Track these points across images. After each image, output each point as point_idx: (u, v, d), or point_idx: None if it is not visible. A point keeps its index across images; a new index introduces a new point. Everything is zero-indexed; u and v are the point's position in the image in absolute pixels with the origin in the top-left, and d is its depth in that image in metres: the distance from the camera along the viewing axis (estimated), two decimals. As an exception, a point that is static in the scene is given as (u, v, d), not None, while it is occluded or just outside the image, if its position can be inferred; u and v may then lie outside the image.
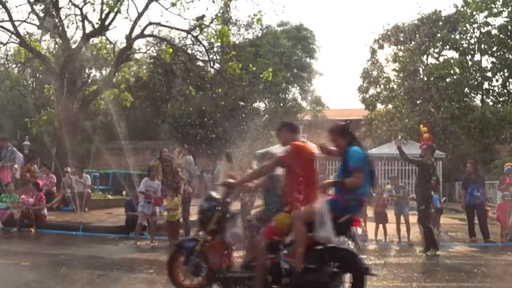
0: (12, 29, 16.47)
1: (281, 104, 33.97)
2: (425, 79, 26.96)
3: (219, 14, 17.98)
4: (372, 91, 33.27)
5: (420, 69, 29.69)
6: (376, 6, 74.65)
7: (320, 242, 4.62)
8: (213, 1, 17.55)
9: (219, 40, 18.05)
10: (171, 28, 20.01)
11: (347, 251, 4.77)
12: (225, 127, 27.28)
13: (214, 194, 5.37)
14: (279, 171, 5.27)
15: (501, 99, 25.48)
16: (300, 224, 4.61)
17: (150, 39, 22.61)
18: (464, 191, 11.22)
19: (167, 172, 10.64)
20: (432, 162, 9.20)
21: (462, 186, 11.50)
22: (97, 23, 17.23)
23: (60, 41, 18.04)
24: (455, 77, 24.74)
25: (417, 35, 30.48)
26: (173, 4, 17.30)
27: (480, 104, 25.51)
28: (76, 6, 17.09)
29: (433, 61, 29.95)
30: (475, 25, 25.16)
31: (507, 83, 25.29)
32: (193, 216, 12.13)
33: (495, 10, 24.31)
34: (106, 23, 17.15)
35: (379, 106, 32.81)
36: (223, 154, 7.71)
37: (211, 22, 17.92)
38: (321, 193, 4.75)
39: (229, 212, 5.12)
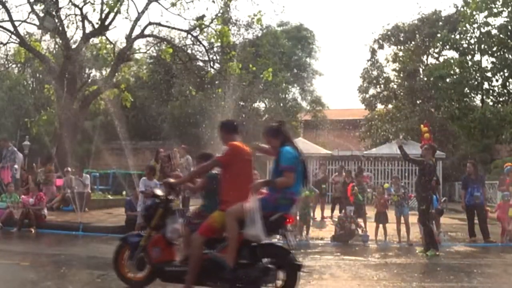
0: (12, 29, 16.49)
1: (281, 104, 33.96)
2: (425, 79, 26.97)
3: (219, 14, 17.99)
4: (372, 91, 33.31)
5: (420, 69, 29.71)
6: (376, 6, 74.65)
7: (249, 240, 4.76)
8: (213, 1, 17.57)
9: (219, 40, 18.06)
10: (171, 28, 20.04)
11: (280, 248, 4.96)
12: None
13: (157, 191, 5.67)
14: (217, 170, 5.43)
15: (501, 99, 25.51)
16: (232, 221, 4.77)
17: (150, 39, 22.62)
18: (464, 191, 11.22)
19: (166, 172, 10.62)
20: (433, 162, 9.19)
21: (462, 186, 11.49)
22: (97, 23, 17.25)
23: (60, 41, 18.04)
24: (455, 77, 24.77)
25: (417, 35, 30.51)
26: (173, 4, 17.31)
27: (480, 104, 25.53)
28: (76, 6, 17.10)
29: (433, 61, 29.97)
30: (475, 25, 25.19)
31: (507, 83, 25.32)
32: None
33: (495, 10, 24.34)
34: (106, 23, 17.16)
35: (379, 106, 32.84)
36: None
37: (211, 22, 17.93)
38: (254, 192, 4.81)
39: (170, 209, 5.35)
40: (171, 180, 5.55)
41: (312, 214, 11.50)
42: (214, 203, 5.21)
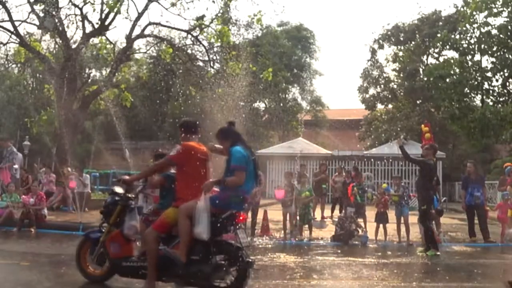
0: (12, 29, 16.48)
1: (281, 104, 33.97)
2: (425, 79, 26.96)
3: (219, 14, 17.99)
4: (372, 91, 33.33)
5: (420, 69, 29.71)
6: (376, 6, 74.66)
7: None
8: (213, 1, 17.58)
9: (219, 40, 18.06)
10: (171, 28, 20.01)
11: (232, 245, 5.07)
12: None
13: (117, 189, 5.80)
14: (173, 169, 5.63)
15: (501, 99, 25.50)
16: (183, 218, 4.94)
17: (150, 39, 22.60)
18: (464, 191, 11.21)
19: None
20: (434, 162, 9.19)
21: (462, 186, 11.49)
22: (97, 23, 17.24)
23: (60, 41, 18.03)
24: (455, 77, 24.75)
25: (417, 35, 30.51)
26: (173, 4, 17.32)
27: (480, 104, 25.53)
28: (76, 6, 17.11)
29: (433, 61, 29.98)
30: (475, 25, 25.17)
31: (507, 83, 25.31)
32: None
33: (495, 10, 24.33)
34: (106, 23, 17.16)
35: (379, 106, 32.84)
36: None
37: (211, 22, 17.93)
38: (205, 191, 4.98)
39: (129, 206, 5.55)
40: (125, 177, 5.86)
41: (312, 214, 11.50)
42: (170, 201, 5.35)
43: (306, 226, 10.72)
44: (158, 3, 17.29)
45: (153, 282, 5.10)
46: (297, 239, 10.40)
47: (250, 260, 5.06)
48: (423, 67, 29.69)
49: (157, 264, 5.06)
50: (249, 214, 10.55)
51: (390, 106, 31.46)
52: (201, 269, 4.96)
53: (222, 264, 4.99)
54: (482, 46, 24.79)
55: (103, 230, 5.61)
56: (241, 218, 5.22)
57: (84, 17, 17.32)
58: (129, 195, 5.65)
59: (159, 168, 5.69)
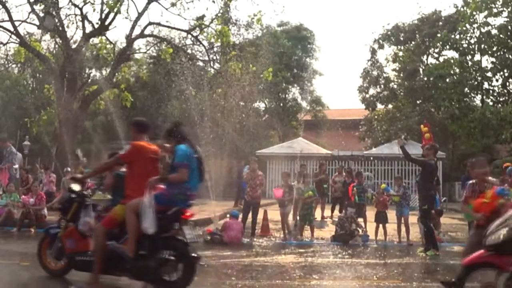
0: (12, 29, 16.48)
1: (281, 104, 33.95)
2: (425, 79, 26.96)
3: (219, 14, 17.99)
4: (372, 91, 33.30)
5: (420, 69, 29.70)
6: (376, 6, 74.67)
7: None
8: (213, 1, 17.57)
9: (219, 40, 18.06)
10: (171, 28, 20.03)
11: (179, 241, 5.27)
12: (225, 127, 27.20)
13: (74, 187, 6.02)
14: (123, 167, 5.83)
15: (501, 99, 25.51)
16: (130, 214, 5.14)
17: (150, 39, 22.62)
18: (464, 191, 11.19)
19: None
20: (435, 162, 9.19)
21: (462, 186, 11.48)
22: (97, 23, 17.24)
23: (60, 41, 18.03)
24: (455, 77, 24.76)
25: (417, 35, 30.50)
26: (173, 4, 17.31)
27: (480, 104, 25.53)
28: (76, 6, 17.11)
29: (433, 61, 29.96)
30: (475, 25, 25.18)
31: (507, 83, 25.33)
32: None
33: (495, 10, 24.34)
34: (106, 23, 17.16)
35: (379, 106, 32.83)
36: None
37: (211, 22, 17.94)
38: (149, 188, 5.13)
39: (84, 203, 5.81)
40: (77, 175, 6.30)
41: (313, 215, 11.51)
42: (121, 199, 5.51)
43: (307, 226, 10.72)
44: (158, 3, 17.31)
45: (97, 275, 5.30)
46: (297, 238, 10.40)
47: (196, 256, 5.22)
48: (423, 67, 29.68)
49: (107, 258, 5.25)
50: (249, 214, 10.57)
51: (390, 106, 31.44)
52: (148, 264, 5.13)
53: (169, 259, 5.16)
54: (482, 46, 24.80)
55: (61, 226, 5.95)
56: (187, 214, 5.36)
57: (84, 17, 17.32)
58: (85, 193, 5.91)
59: (109, 166, 5.93)
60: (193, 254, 5.21)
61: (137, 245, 5.14)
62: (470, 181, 6.56)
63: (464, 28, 25.49)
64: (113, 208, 5.51)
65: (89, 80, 21.53)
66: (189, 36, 19.10)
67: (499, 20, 24.54)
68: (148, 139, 5.73)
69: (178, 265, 5.20)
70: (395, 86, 31.94)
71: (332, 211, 14.47)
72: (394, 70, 31.51)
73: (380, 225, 10.24)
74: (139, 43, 40.88)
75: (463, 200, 6.62)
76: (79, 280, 5.65)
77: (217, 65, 21.37)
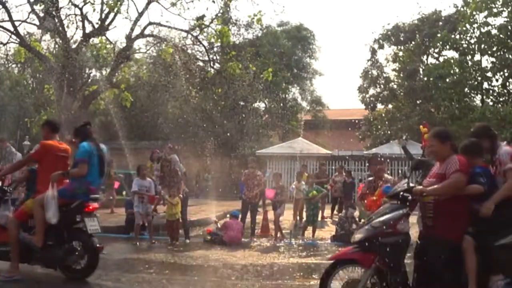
0: (12, 29, 16.48)
1: (281, 104, 33.95)
2: (425, 79, 26.95)
3: (219, 14, 17.98)
4: (372, 91, 33.27)
5: (420, 69, 29.68)
6: (376, 6, 74.69)
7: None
8: (213, 1, 17.55)
9: (219, 40, 18.05)
10: (171, 28, 20.00)
11: (84, 232, 5.78)
12: (225, 127, 27.25)
13: None
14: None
15: (501, 99, 25.49)
16: (37, 207, 5.67)
17: (150, 39, 22.60)
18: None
19: (165, 172, 10.62)
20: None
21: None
22: (97, 23, 17.23)
23: (60, 41, 18.03)
24: (455, 77, 24.74)
25: (417, 35, 30.48)
26: (173, 4, 17.30)
27: (480, 104, 25.52)
28: (76, 6, 17.09)
29: (433, 61, 29.94)
30: (475, 25, 25.16)
31: (507, 83, 25.31)
32: (192, 216, 12.18)
33: (495, 10, 24.32)
34: (106, 23, 17.15)
35: (379, 106, 32.81)
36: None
37: (211, 22, 17.92)
38: (52, 182, 5.67)
39: (3, 197, 6.21)
40: None
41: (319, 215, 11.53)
42: (34, 193, 6.02)
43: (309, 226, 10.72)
44: (158, 3, 17.29)
45: (15, 264, 5.73)
46: (298, 238, 10.41)
47: (99, 246, 5.80)
48: (423, 67, 29.66)
49: (20, 248, 5.71)
50: (249, 214, 10.58)
51: (390, 106, 31.41)
52: (56, 253, 5.68)
53: (75, 249, 5.75)
54: (482, 46, 24.78)
55: None
56: (90, 207, 5.87)
57: (84, 17, 17.31)
58: (5, 188, 6.37)
59: (22, 164, 6.86)
60: (96, 245, 5.76)
61: (45, 236, 5.66)
62: (369, 178, 6.69)
63: (464, 28, 25.47)
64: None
65: (89, 80, 21.55)
66: (189, 36, 19.09)
67: (499, 20, 24.53)
68: (58, 138, 6.32)
69: (83, 255, 5.76)
70: (395, 86, 31.91)
71: (332, 211, 14.48)
72: (394, 70, 31.49)
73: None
74: (139, 43, 40.94)
75: (358, 197, 6.82)
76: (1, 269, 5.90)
77: (217, 65, 21.36)
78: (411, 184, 4.59)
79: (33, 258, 5.81)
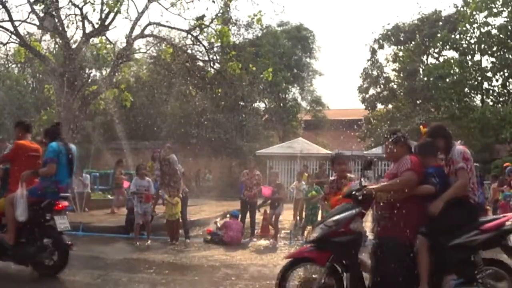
0: (12, 29, 16.47)
1: (281, 104, 33.96)
2: (425, 79, 26.95)
3: (219, 14, 17.96)
4: (372, 91, 33.28)
5: (420, 69, 29.68)
6: (376, 6, 74.72)
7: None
8: (213, 1, 17.52)
9: (219, 40, 18.04)
10: (171, 28, 19.99)
11: (54, 229, 5.95)
12: (225, 127, 27.25)
13: None
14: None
15: (501, 99, 25.50)
16: (8, 206, 5.85)
17: (150, 39, 22.59)
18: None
19: (165, 172, 10.62)
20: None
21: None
22: (97, 23, 17.21)
23: (60, 41, 18.03)
24: (455, 77, 24.75)
25: (417, 35, 30.48)
26: (173, 4, 17.28)
27: (480, 104, 25.52)
28: (76, 6, 17.07)
29: (433, 61, 29.94)
30: (475, 25, 25.17)
31: (507, 83, 25.31)
32: (192, 216, 12.18)
33: (495, 10, 24.33)
34: (106, 23, 17.14)
35: (379, 106, 32.82)
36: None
37: (211, 22, 17.90)
38: (22, 181, 5.84)
39: None
40: None
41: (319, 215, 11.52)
42: (6, 192, 6.18)
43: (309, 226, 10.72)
44: (158, 3, 17.27)
45: None
46: (298, 238, 10.40)
47: (69, 243, 5.98)
48: (423, 67, 29.67)
49: None
50: (248, 214, 10.58)
51: (390, 106, 31.42)
52: (27, 250, 5.84)
53: (46, 246, 5.91)
54: (482, 46, 24.79)
55: None
56: (59, 205, 6.04)
57: (84, 17, 17.29)
58: None
59: None
60: (66, 242, 5.95)
61: (17, 234, 5.84)
62: (331, 178, 6.74)
63: (464, 28, 25.48)
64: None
65: (89, 80, 21.53)
66: (189, 36, 19.07)
67: (499, 20, 24.54)
68: (31, 139, 6.48)
69: (54, 251, 5.93)
70: (395, 86, 31.92)
71: (332, 211, 14.46)
72: (394, 70, 31.49)
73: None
74: (139, 43, 40.95)
75: (322, 197, 6.87)
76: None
77: (217, 65, 21.33)
78: (363, 183, 4.59)
79: (5, 255, 5.95)
